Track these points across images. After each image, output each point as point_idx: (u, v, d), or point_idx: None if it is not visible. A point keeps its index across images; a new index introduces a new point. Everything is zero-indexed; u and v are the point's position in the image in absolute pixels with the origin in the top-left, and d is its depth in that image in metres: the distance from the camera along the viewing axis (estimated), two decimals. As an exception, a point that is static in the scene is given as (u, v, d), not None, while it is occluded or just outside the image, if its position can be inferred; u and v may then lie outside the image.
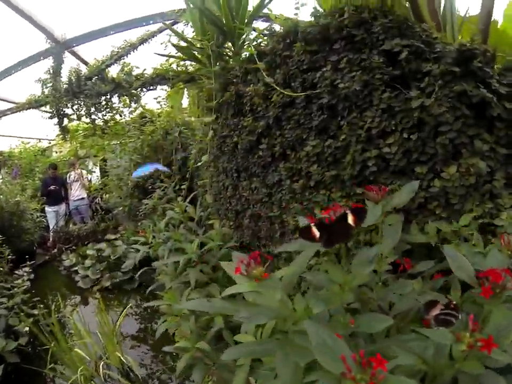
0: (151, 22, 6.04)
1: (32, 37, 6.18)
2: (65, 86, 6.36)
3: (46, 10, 5.73)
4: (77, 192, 7.86)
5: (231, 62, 3.02)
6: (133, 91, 5.87)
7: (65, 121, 6.93)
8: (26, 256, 5.81)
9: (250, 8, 2.91)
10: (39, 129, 10.71)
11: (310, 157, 2.00)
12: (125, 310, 3.66)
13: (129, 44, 5.98)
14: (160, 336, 3.54)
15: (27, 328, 3.67)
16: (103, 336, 3.17)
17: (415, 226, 1.67)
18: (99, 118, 6.51)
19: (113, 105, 6.36)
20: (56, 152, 12.18)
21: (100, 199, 8.06)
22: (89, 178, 8.33)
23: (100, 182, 8.85)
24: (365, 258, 1.18)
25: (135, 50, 5.99)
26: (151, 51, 5.98)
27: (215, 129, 2.83)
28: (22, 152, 10.77)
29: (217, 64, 2.80)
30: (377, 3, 1.92)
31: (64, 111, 6.65)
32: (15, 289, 4.07)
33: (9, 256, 4.58)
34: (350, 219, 1.14)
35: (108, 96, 6.22)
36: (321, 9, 2.19)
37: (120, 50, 6.01)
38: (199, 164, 2.78)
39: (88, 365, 2.99)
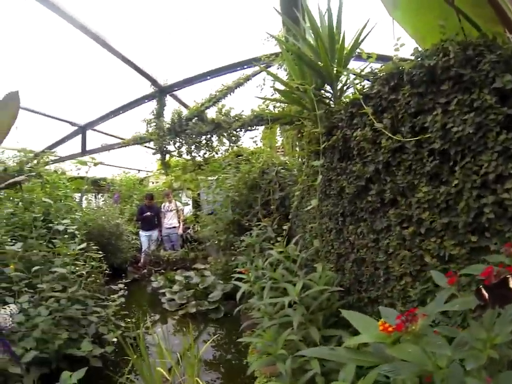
0: (245, 66, 6.50)
1: (138, 83, 7.01)
2: (167, 125, 7.02)
3: (151, 60, 6.55)
4: (170, 221, 8.50)
5: (331, 105, 3.11)
6: (232, 131, 6.29)
7: (167, 157, 7.60)
8: (123, 274, 6.36)
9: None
10: (139, 161, 11.87)
11: (421, 204, 1.95)
12: (211, 339, 3.79)
13: (226, 88, 6.43)
14: (231, 367, 3.61)
15: (115, 339, 3.91)
16: (184, 358, 3.27)
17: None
18: (199, 155, 7.00)
19: (212, 144, 6.81)
20: (153, 183, 13.32)
21: (191, 229, 8.58)
22: (182, 210, 8.89)
23: (191, 214, 9.41)
24: (507, 316, 1.17)
25: (231, 93, 6.43)
26: (247, 93, 6.42)
27: (318, 172, 2.88)
28: (122, 180, 11.93)
29: (320, 107, 2.84)
30: (480, 37, 1.84)
31: (167, 148, 7.27)
32: (110, 302, 4.40)
33: (106, 271, 4.91)
34: (512, 284, 1.13)
35: (208, 136, 6.70)
36: (420, 48, 2.14)
37: (218, 93, 6.47)
38: (309, 207, 2.81)
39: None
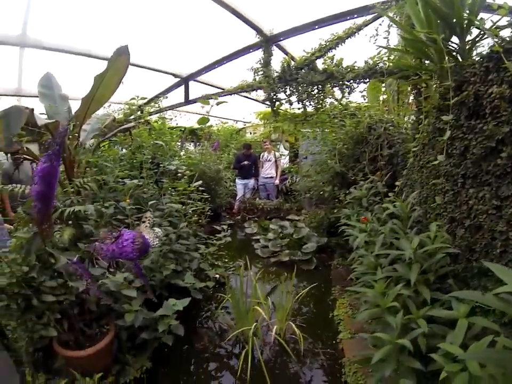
0: (355, 16, 6.09)
1: (243, 33, 7.03)
2: (276, 73, 7.00)
3: (257, 9, 6.45)
4: (267, 171, 8.67)
5: (459, 59, 2.84)
6: (345, 82, 6.05)
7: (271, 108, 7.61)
8: (226, 216, 6.65)
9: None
10: (237, 112, 12.17)
11: (559, 173, 1.71)
12: (306, 289, 3.81)
13: (336, 37, 6.14)
14: (317, 318, 3.70)
15: (217, 275, 4.28)
16: (277, 302, 3.46)
17: None
18: (310, 104, 6.87)
19: (324, 95, 6.62)
20: (250, 134, 13.61)
21: (288, 181, 8.69)
22: (280, 160, 8.96)
23: (288, 165, 9.47)
24: None
25: (342, 44, 6.12)
26: (356, 45, 6.09)
27: (440, 129, 2.69)
28: (220, 130, 12.35)
29: (448, 60, 2.60)
30: None
31: (277, 96, 7.26)
32: (213, 240, 4.70)
33: (208, 213, 5.11)
34: None
35: (320, 86, 6.51)
36: None
37: (328, 43, 6.22)
38: (435, 162, 2.65)
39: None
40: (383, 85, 5.90)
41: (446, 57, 2.62)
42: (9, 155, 4.62)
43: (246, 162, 8.43)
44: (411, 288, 2.23)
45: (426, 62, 3.17)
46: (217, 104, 3.39)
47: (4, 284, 2.48)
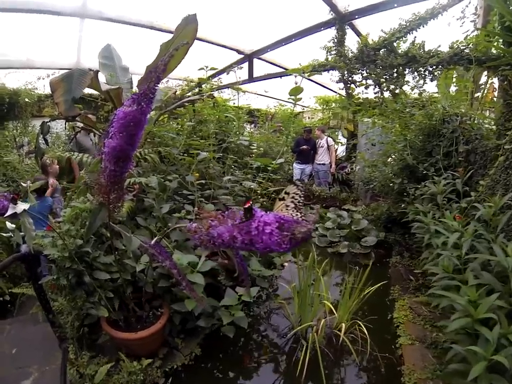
0: (439, -6, 5.55)
1: (314, 9, 6.79)
2: (350, 54, 6.62)
3: None
4: (320, 157, 8.34)
5: None
6: (428, 68, 5.54)
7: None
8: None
9: None
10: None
11: None
12: (374, 287, 3.35)
13: (418, 18, 5.64)
14: (374, 318, 3.36)
15: (285, 263, 4.23)
16: (343, 299, 3.22)
17: None
18: (389, 89, 6.43)
19: (404, 80, 6.14)
20: (309, 118, 13.20)
21: (347, 169, 8.34)
22: (335, 148, 8.60)
23: (344, 153, 9.10)
24: None
25: (424, 25, 5.62)
26: (437, 27, 5.60)
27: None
28: (277, 112, 12.07)
29: None
30: None
31: (352, 77, 6.90)
32: None
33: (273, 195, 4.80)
34: None
35: (400, 69, 6.05)
36: None
37: (408, 23, 5.74)
38: None
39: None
40: (455, 75, 5.39)
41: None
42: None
43: (305, 147, 8.15)
44: (504, 300, 1.99)
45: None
46: (309, 75, 3.14)
47: (55, 257, 2.32)
